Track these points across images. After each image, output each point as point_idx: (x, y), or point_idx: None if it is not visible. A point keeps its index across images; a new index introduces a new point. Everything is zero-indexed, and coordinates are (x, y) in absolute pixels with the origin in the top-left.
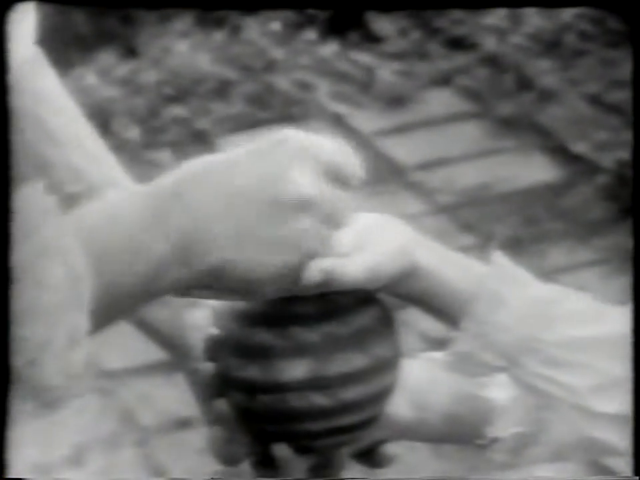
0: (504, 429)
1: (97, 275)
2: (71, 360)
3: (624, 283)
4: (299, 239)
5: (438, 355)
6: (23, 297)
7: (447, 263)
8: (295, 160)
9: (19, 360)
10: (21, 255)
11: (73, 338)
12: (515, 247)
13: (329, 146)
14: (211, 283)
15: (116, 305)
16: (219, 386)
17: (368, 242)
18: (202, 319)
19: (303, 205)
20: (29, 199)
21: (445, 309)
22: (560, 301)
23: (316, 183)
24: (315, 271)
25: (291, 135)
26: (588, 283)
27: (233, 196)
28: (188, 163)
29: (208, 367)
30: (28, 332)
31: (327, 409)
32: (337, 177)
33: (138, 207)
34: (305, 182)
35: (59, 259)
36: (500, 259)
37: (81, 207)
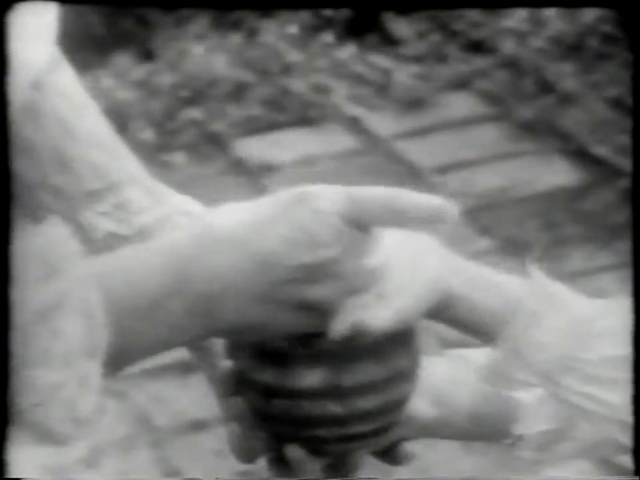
0: (530, 426)
1: (114, 331)
2: (79, 406)
3: None
4: (326, 302)
5: (464, 352)
6: (38, 341)
7: (481, 286)
8: (317, 221)
9: (24, 401)
10: (40, 298)
11: (84, 385)
12: (535, 250)
13: (354, 196)
14: (228, 336)
15: (130, 356)
16: (236, 385)
17: (399, 280)
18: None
19: (330, 266)
20: (53, 239)
21: (481, 330)
22: (597, 319)
23: (340, 240)
24: (343, 325)
25: (311, 193)
26: (608, 287)
27: (257, 262)
28: (206, 217)
29: (227, 364)
30: (39, 374)
31: (341, 417)
32: (367, 223)
33: (158, 270)
34: (329, 243)
35: (78, 307)
36: (537, 275)
37: (101, 256)
